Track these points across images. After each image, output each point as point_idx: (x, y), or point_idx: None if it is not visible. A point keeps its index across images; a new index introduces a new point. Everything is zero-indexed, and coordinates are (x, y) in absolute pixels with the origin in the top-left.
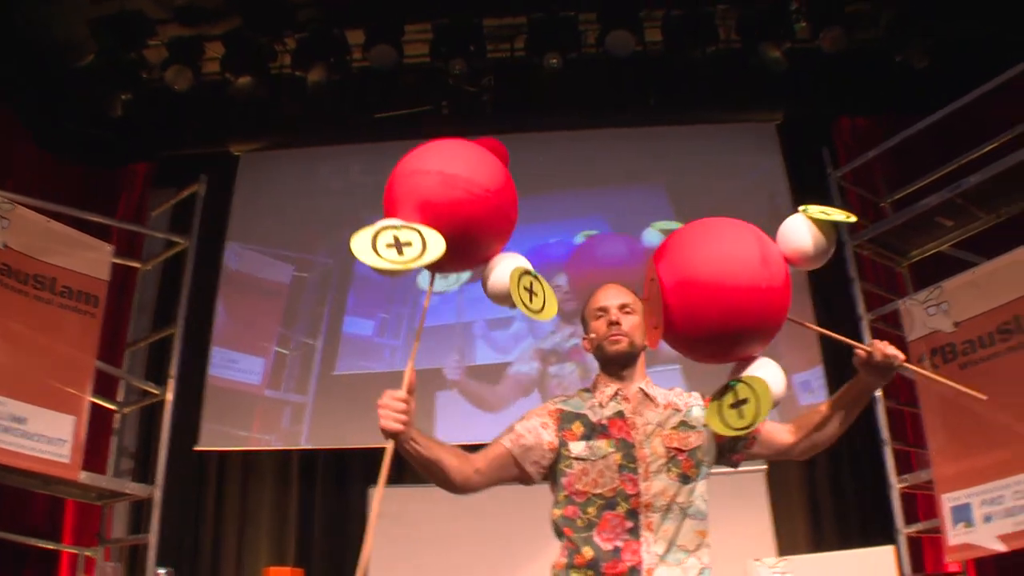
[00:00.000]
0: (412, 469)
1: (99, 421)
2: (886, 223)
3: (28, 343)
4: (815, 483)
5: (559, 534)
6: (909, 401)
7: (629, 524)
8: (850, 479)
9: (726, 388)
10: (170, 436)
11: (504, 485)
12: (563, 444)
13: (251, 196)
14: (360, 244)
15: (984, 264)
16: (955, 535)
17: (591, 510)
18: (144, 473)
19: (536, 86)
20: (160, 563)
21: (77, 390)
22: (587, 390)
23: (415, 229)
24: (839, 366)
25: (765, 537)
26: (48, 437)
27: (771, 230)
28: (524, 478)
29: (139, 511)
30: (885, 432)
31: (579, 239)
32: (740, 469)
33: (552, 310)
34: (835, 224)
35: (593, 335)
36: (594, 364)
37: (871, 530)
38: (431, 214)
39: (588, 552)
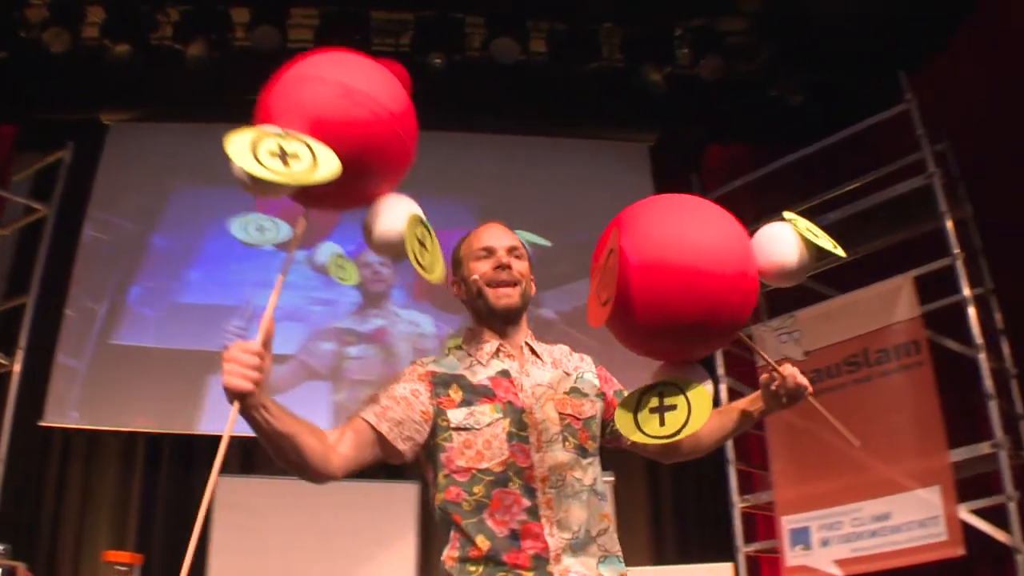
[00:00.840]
0: (263, 459)
1: None
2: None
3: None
4: (659, 497)
5: (447, 523)
6: (755, 424)
7: (527, 503)
8: (693, 495)
9: (648, 389)
10: (15, 409)
11: (351, 480)
12: (439, 413)
13: (117, 167)
14: (238, 147)
15: (838, 297)
16: (793, 556)
17: (478, 489)
18: None
19: (417, 84)
20: None
21: None
22: (459, 346)
23: (304, 141)
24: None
25: None
26: None
27: None
28: (393, 456)
29: None
30: (731, 452)
31: None
32: None
33: (441, 271)
34: (817, 249)
35: (475, 277)
36: (403, 348)
37: (711, 547)
38: (324, 130)
39: (483, 542)
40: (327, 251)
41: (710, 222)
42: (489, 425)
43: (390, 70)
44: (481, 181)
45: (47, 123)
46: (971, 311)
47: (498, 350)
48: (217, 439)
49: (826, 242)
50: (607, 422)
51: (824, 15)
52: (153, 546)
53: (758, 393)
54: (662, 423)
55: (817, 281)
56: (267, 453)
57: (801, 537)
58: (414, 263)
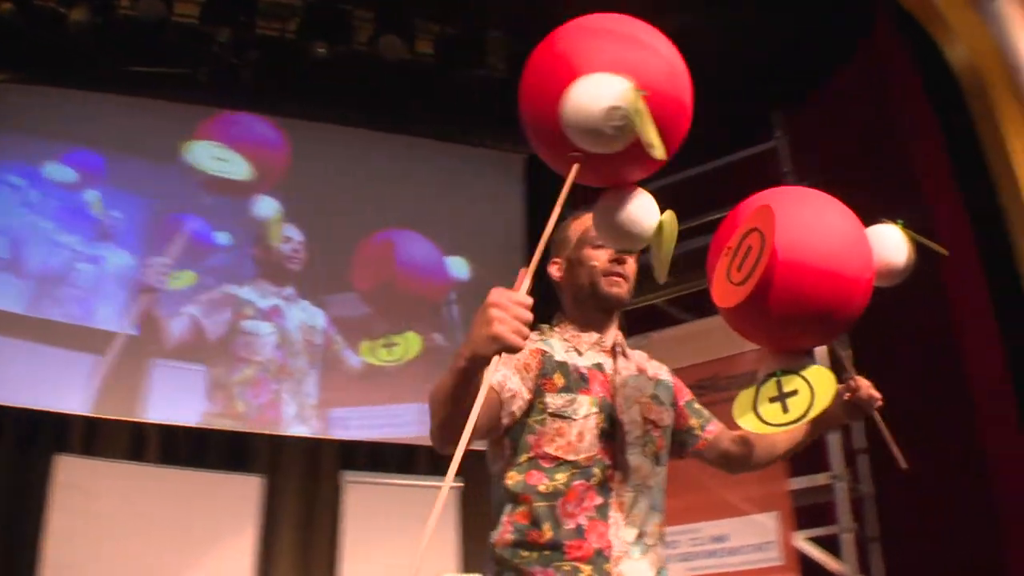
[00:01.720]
0: (106, 440)
1: None
2: None
3: None
4: None
5: (511, 502)
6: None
7: (599, 500)
8: None
9: (763, 381)
10: None
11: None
12: (540, 394)
13: None
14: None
15: (692, 322)
16: None
17: (560, 476)
18: None
19: (300, 72)
20: None
21: None
22: (552, 328)
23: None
24: None
25: (451, 554)
26: None
27: (505, 255)
28: (493, 431)
29: None
30: None
31: None
32: (435, 484)
33: (664, 149)
34: (922, 249)
35: (593, 263)
36: (295, 337)
37: None
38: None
39: (548, 529)
40: (269, 206)
41: (845, 222)
42: (585, 417)
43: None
44: (353, 175)
45: None
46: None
47: (597, 342)
48: (61, 416)
49: (931, 244)
50: (676, 432)
51: (704, 48)
52: None
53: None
54: (785, 409)
55: (673, 305)
56: (121, 439)
57: None
58: (649, 137)
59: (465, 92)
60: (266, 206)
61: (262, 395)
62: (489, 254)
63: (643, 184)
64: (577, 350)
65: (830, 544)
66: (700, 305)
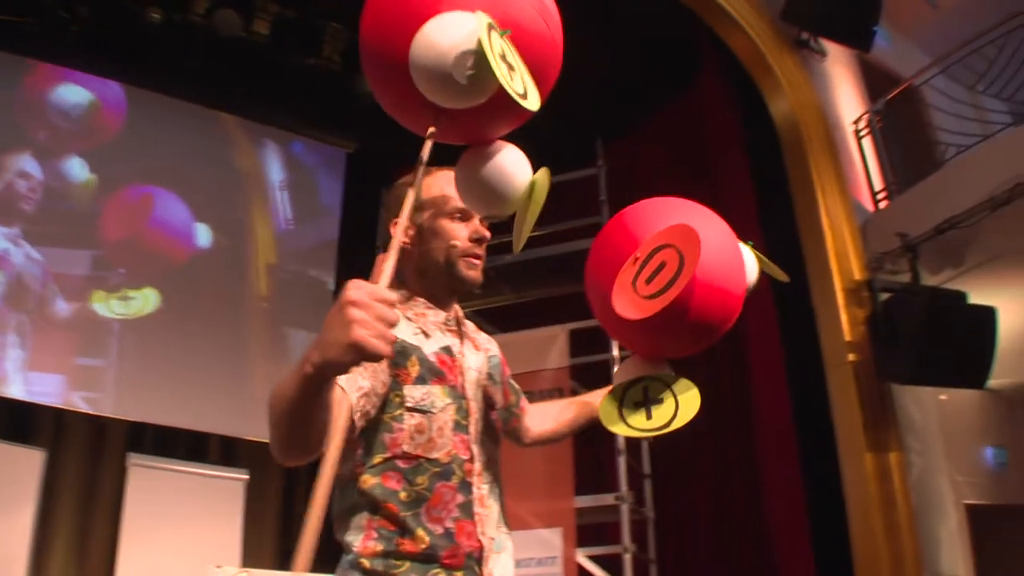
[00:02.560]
0: None
1: None
2: None
3: None
4: (293, 500)
5: (369, 509)
6: None
7: (461, 499)
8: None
9: (631, 384)
10: None
11: None
12: (395, 387)
13: None
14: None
15: (497, 336)
16: None
17: (421, 480)
18: None
19: (130, 35)
20: None
21: None
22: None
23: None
24: None
25: (233, 546)
26: None
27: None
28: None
29: None
30: None
31: None
32: (221, 474)
33: (537, 96)
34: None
35: (454, 243)
36: (29, 283)
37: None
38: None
39: (423, 536)
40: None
41: (732, 239)
42: (442, 410)
43: None
44: (168, 148)
45: None
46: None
47: (444, 322)
48: None
49: (777, 271)
50: (501, 410)
51: None
52: None
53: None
54: (649, 416)
55: (481, 317)
56: None
57: None
58: (506, 86)
59: (296, 78)
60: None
61: None
62: (308, 247)
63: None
64: (425, 332)
65: (611, 564)
66: (505, 319)
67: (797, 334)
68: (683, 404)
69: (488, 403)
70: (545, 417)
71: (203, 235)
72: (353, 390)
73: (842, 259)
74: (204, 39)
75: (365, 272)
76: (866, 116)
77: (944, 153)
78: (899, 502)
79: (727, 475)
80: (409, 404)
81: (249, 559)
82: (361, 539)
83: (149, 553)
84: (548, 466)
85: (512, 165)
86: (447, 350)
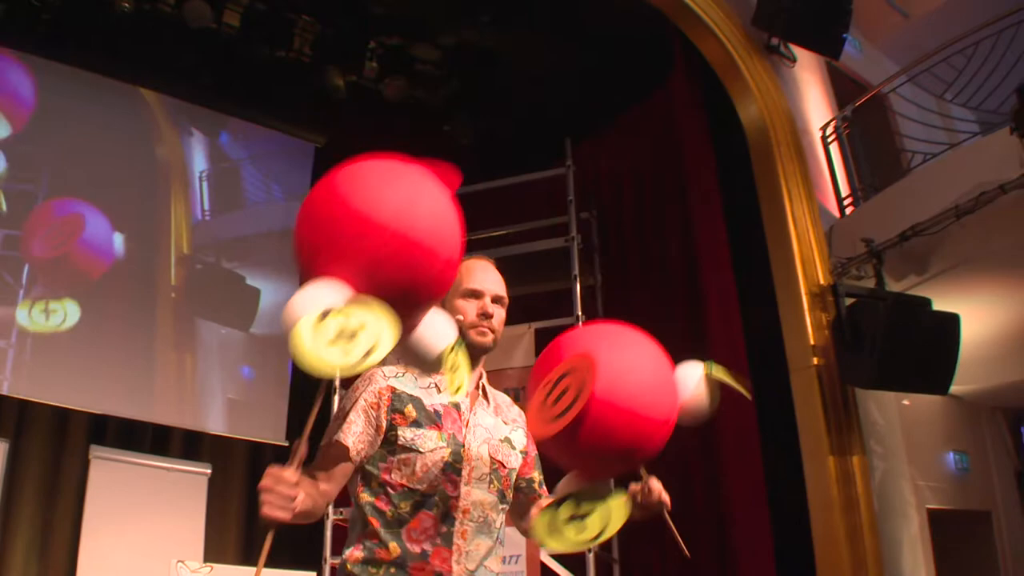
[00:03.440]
0: None
1: None
2: None
3: None
4: (253, 495)
5: (362, 523)
6: None
7: (443, 528)
8: None
9: (563, 500)
10: None
11: None
12: (391, 428)
13: None
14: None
15: None
16: None
17: (404, 505)
18: None
19: (101, 25)
20: None
21: None
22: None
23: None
24: None
25: (195, 540)
26: None
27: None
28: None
29: None
30: None
31: None
32: (184, 468)
33: (463, 391)
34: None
35: (459, 317)
36: None
37: (301, 554)
38: (379, 288)
39: (395, 548)
40: None
41: (657, 366)
42: (431, 451)
43: (441, 179)
44: (129, 137)
45: None
46: None
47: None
48: None
49: (738, 385)
50: (520, 478)
51: (511, 68)
52: None
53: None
54: (582, 529)
55: None
56: None
57: None
58: (450, 385)
59: (265, 71)
60: None
61: None
62: (271, 242)
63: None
64: (437, 387)
65: (575, 562)
66: None
67: (761, 338)
68: (613, 516)
69: (497, 462)
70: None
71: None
72: (351, 436)
73: (808, 264)
74: (172, 29)
75: None
76: (834, 122)
77: (911, 160)
78: (861, 506)
79: (689, 475)
80: (401, 442)
81: (211, 554)
82: (351, 549)
83: (111, 546)
84: None
85: (431, 333)
86: (456, 406)
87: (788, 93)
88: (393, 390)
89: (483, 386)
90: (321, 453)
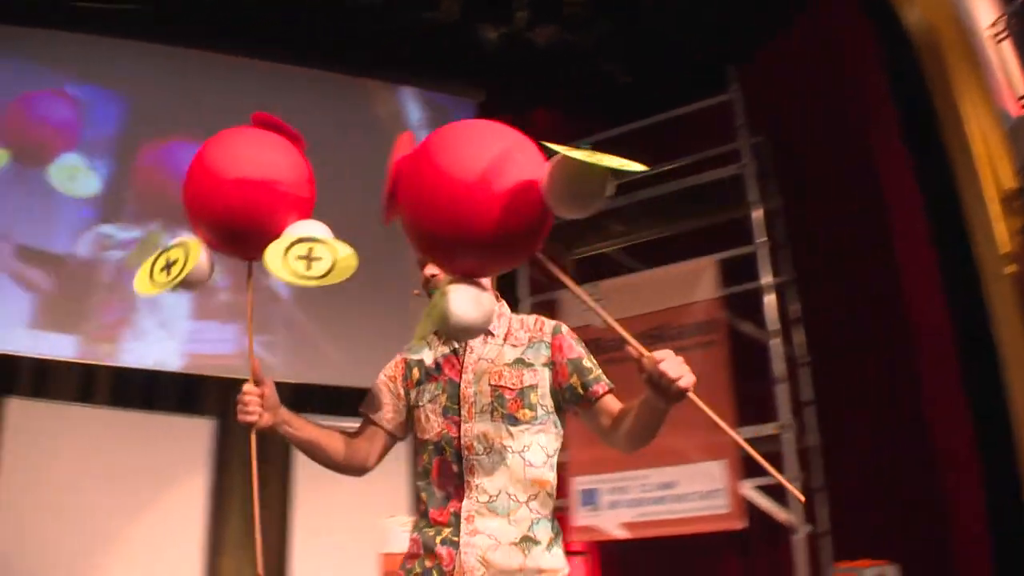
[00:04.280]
0: (56, 383)
1: None
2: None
3: None
4: None
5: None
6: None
7: (455, 468)
8: None
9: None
10: None
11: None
12: (407, 394)
13: None
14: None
15: (643, 272)
16: (581, 516)
17: (424, 457)
18: None
19: (247, 10)
20: None
21: None
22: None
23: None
24: None
25: (400, 498)
26: None
27: None
28: (397, 437)
29: None
30: None
31: None
32: None
33: (345, 268)
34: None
35: (431, 273)
36: None
37: None
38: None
39: (424, 498)
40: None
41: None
42: (431, 401)
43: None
44: (297, 117)
45: None
46: (769, 298)
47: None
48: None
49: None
50: (555, 391)
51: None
52: None
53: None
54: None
55: (625, 254)
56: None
57: (590, 498)
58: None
59: (416, 34)
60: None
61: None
62: None
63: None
64: (438, 343)
65: (776, 493)
66: (651, 255)
67: (951, 248)
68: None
69: (499, 387)
70: (620, 417)
71: None
72: (367, 406)
73: (992, 168)
74: (323, 4)
75: None
76: (1003, 19)
77: None
78: None
79: (889, 397)
80: (411, 403)
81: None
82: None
83: (321, 507)
84: (707, 399)
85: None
86: (454, 351)
87: None
88: (405, 361)
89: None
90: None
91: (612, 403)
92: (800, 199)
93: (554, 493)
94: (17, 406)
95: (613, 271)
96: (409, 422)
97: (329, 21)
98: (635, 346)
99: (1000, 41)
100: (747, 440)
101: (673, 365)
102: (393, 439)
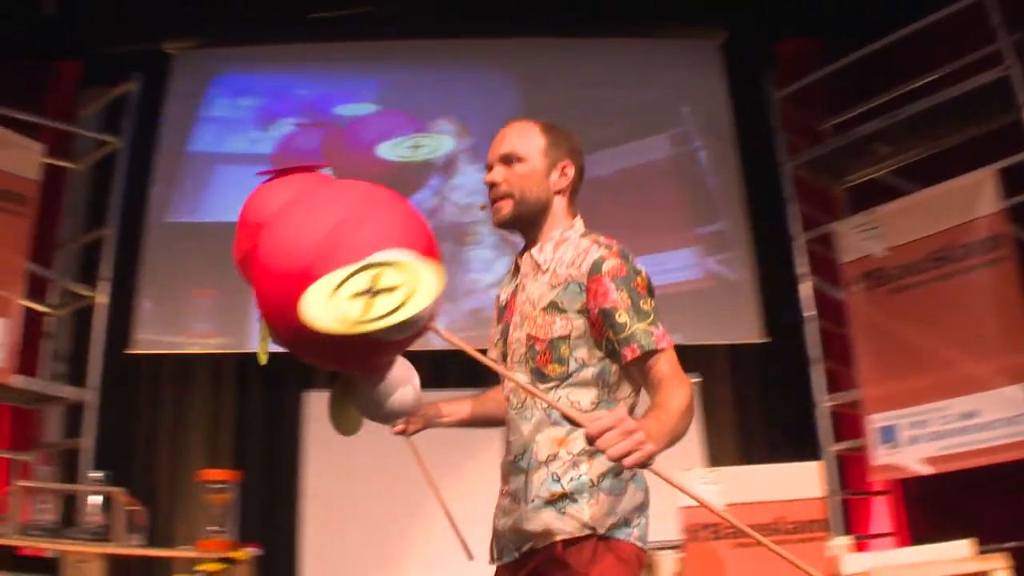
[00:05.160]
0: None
1: (32, 325)
2: (824, 147)
3: None
4: (746, 398)
5: None
6: (839, 322)
7: (505, 420)
8: (780, 395)
9: (361, 270)
10: (104, 339)
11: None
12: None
13: (185, 96)
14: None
15: (919, 192)
16: (881, 455)
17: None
18: (78, 377)
19: None
20: (95, 467)
21: (8, 292)
22: None
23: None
24: None
25: (694, 448)
26: None
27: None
28: None
29: (75, 415)
30: (814, 351)
31: None
32: None
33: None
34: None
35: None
36: None
37: (798, 446)
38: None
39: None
40: None
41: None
42: (494, 348)
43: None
44: (534, 86)
45: (111, 57)
46: None
47: (515, 266)
48: None
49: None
50: (600, 342)
51: None
52: (247, 463)
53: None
54: (369, 307)
55: (897, 176)
56: None
57: (889, 435)
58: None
59: None
60: None
61: None
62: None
63: None
64: (510, 277)
65: None
66: (924, 173)
67: None
68: (419, 289)
69: (532, 338)
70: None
71: None
72: (491, 350)
73: None
74: None
75: None
76: None
77: None
78: None
79: None
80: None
81: (712, 459)
82: None
83: None
84: (1000, 320)
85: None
86: (513, 291)
87: None
88: (497, 298)
89: (532, 257)
90: None
91: (645, 371)
92: None
93: (579, 450)
94: (316, 398)
95: (888, 195)
96: None
97: None
98: (572, 417)
99: None
100: None
101: (611, 440)
102: None
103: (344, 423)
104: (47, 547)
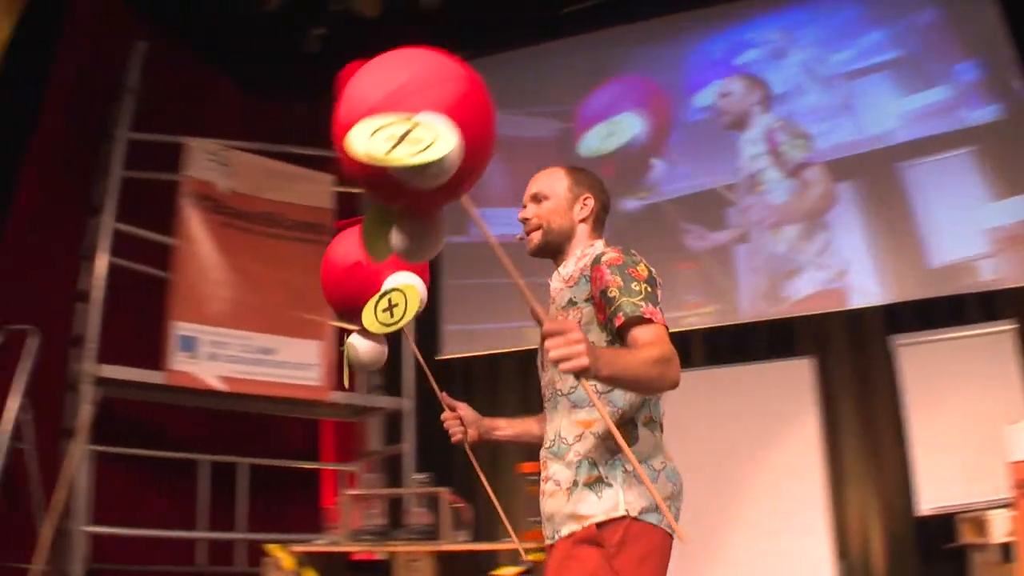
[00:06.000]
0: None
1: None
2: None
3: (266, 279)
4: None
5: None
6: None
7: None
8: None
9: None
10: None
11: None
12: None
13: None
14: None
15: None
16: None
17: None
18: (393, 387)
19: None
20: (417, 470)
21: (319, 316)
22: None
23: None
24: None
25: (1012, 399)
26: (297, 363)
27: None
28: None
29: (392, 424)
30: None
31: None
32: (987, 330)
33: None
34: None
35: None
36: None
37: None
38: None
39: None
40: None
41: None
42: (543, 369)
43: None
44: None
45: None
46: None
47: (552, 278)
48: None
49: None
50: (604, 324)
51: None
52: None
53: None
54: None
55: None
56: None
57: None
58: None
59: None
60: None
61: None
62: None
63: None
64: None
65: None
66: None
67: None
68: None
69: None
70: None
71: None
72: None
73: None
74: None
75: None
76: None
77: None
78: None
79: None
80: None
81: None
82: None
83: (935, 426)
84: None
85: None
86: (550, 300)
87: None
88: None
89: (559, 272)
90: None
91: (631, 339)
92: None
93: (606, 433)
94: None
95: None
96: None
97: None
98: (537, 312)
99: None
100: None
101: (555, 342)
102: None
103: (374, 248)
104: (379, 550)
